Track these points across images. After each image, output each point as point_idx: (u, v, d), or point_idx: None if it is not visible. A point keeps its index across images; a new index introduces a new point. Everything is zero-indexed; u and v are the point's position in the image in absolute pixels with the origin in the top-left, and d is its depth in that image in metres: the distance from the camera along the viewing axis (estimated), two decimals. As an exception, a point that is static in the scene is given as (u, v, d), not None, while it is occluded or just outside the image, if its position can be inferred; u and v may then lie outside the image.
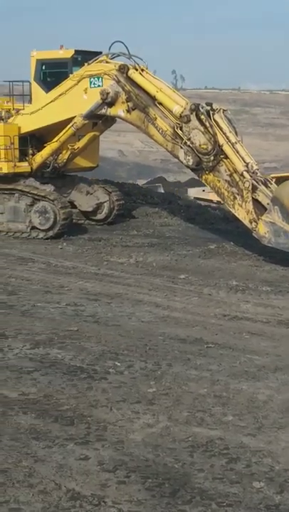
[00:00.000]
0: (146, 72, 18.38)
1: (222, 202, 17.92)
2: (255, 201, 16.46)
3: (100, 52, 19.28)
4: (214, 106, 17.37)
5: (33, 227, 19.25)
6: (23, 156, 20.02)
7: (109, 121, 20.04)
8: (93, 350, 10.26)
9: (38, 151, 20.10)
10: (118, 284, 14.34)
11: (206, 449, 7.28)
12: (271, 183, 16.56)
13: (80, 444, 7.35)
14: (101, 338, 10.80)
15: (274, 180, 16.51)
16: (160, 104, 17.77)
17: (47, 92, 19.73)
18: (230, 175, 16.87)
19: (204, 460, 7.06)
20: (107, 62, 18.85)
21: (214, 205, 24.60)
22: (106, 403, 8.38)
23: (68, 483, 6.56)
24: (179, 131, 17.21)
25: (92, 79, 18.72)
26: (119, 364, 9.68)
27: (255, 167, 16.90)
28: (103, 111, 18.82)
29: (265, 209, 16.17)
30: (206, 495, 6.42)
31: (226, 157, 16.87)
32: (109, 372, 9.39)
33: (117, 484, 6.56)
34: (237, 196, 16.74)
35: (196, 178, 19.22)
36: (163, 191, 29.03)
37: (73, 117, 19.12)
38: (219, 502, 6.31)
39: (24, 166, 19.91)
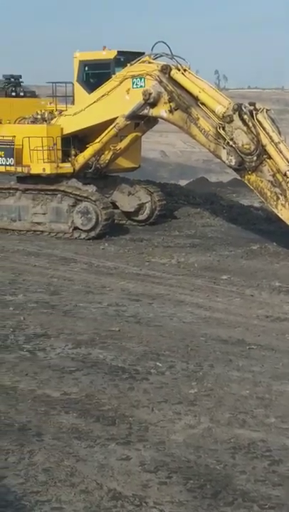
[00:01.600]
0: (189, 72, 18.33)
1: (265, 202, 17.79)
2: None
3: (143, 53, 19.28)
4: (257, 105, 17.26)
5: (75, 228, 19.34)
6: (66, 156, 20.12)
7: (152, 121, 20.02)
8: (135, 350, 10.26)
9: (81, 152, 20.18)
10: (160, 285, 14.33)
11: (248, 451, 7.23)
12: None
13: (122, 444, 7.35)
14: (142, 339, 10.80)
15: None
16: (203, 104, 17.70)
17: (89, 93, 19.79)
18: (274, 175, 16.74)
19: (246, 462, 7.01)
20: (149, 62, 18.84)
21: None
22: (147, 404, 8.37)
23: (110, 483, 6.57)
24: (222, 132, 17.12)
25: (134, 79, 18.74)
26: (160, 365, 9.66)
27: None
28: (145, 111, 18.82)
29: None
30: (248, 497, 6.37)
31: (269, 157, 16.74)
32: (151, 372, 9.38)
33: (158, 485, 6.55)
34: (280, 196, 16.60)
35: (239, 178, 19.11)
36: None
37: (115, 118, 19.16)
38: (261, 504, 6.25)
39: (67, 167, 20.01)
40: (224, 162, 17.59)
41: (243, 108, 16.89)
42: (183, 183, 33.33)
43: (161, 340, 10.77)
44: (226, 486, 6.54)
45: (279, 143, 16.80)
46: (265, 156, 16.78)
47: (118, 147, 20.21)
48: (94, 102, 19.39)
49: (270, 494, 6.41)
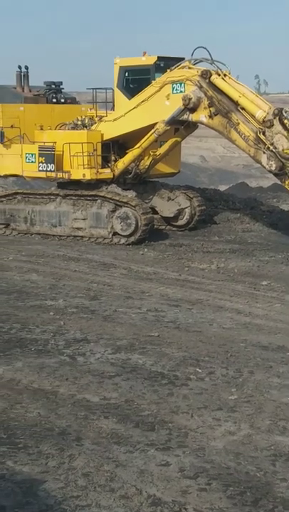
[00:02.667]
0: (229, 78, 18.28)
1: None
2: None
3: (183, 58, 19.31)
4: (298, 110, 17.14)
5: (115, 233, 19.41)
6: (106, 162, 20.22)
7: (191, 127, 20.02)
8: (174, 356, 10.25)
9: (120, 158, 20.27)
10: (199, 290, 14.30)
11: (288, 458, 7.17)
12: None
13: (161, 450, 7.34)
14: (182, 344, 10.78)
15: None
16: (243, 109, 17.65)
17: (130, 98, 19.88)
18: (315, 180, 16.60)
19: (287, 469, 6.95)
20: (189, 68, 18.85)
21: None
22: (187, 409, 8.35)
23: (149, 488, 6.57)
24: (262, 136, 17.05)
25: (174, 85, 18.77)
26: (200, 370, 9.64)
27: None
28: (185, 116, 18.83)
29: None
30: (289, 505, 6.31)
31: (310, 162, 16.61)
32: (190, 378, 9.36)
33: (198, 491, 6.52)
34: None
35: (279, 183, 19.00)
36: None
37: (155, 123, 19.20)
38: (302, 513, 6.19)
39: (107, 173, 20.10)
40: (264, 167, 17.50)
41: (284, 113, 16.79)
42: (222, 188, 33.27)
43: (201, 345, 10.75)
44: (266, 494, 6.49)
45: None
46: (306, 161, 16.66)
47: (158, 152, 20.26)
48: (134, 107, 19.47)
49: (311, 503, 6.35)
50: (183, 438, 7.61)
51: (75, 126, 20.67)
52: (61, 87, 22.81)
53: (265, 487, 6.62)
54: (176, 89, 18.74)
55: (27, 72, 22.37)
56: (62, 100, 22.44)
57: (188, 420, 8.07)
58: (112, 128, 19.98)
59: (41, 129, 20.84)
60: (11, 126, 20.85)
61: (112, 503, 6.32)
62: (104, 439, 7.58)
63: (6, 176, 22.44)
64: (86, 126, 20.47)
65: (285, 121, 16.69)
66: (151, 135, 19.37)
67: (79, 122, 20.76)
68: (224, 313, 12.66)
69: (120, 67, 20.28)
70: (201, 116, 18.47)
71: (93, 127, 20.36)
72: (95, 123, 20.52)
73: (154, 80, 19.39)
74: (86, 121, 20.69)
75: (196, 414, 8.23)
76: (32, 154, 20.33)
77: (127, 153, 20.15)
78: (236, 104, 17.78)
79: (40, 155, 20.14)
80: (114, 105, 20.81)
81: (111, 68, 20.44)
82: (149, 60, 19.97)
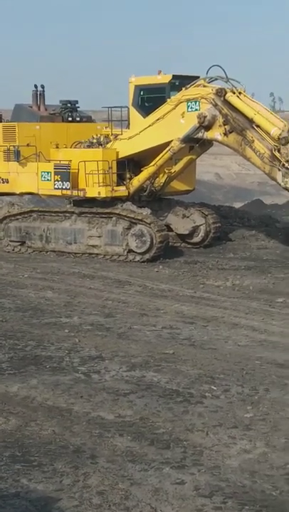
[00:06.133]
0: (244, 95, 18.35)
1: None
2: None
3: (198, 77, 19.39)
4: (313, 127, 17.15)
5: (130, 251, 19.43)
6: (121, 180, 20.29)
7: (206, 144, 20.07)
8: (189, 373, 10.21)
9: (135, 175, 20.33)
10: (214, 307, 14.27)
11: (304, 478, 7.11)
12: None
13: (176, 468, 7.30)
14: (197, 362, 10.75)
15: None
16: (258, 126, 17.69)
17: (145, 117, 19.97)
18: None
19: (303, 489, 6.89)
20: (204, 86, 18.93)
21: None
22: (202, 427, 8.31)
23: (164, 507, 6.53)
24: (277, 154, 17.06)
25: (189, 103, 18.84)
26: (215, 388, 9.60)
27: None
28: (200, 134, 18.89)
29: None
30: (305, 525, 6.25)
31: None
32: (206, 396, 9.32)
33: (213, 510, 6.48)
34: None
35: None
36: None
37: (170, 141, 19.26)
38: None
39: (122, 190, 20.17)
40: (279, 184, 17.51)
41: (299, 130, 16.80)
42: (238, 205, 33.23)
43: (216, 363, 10.71)
44: (282, 513, 6.43)
45: None
46: None
47: (173, 170, 20.32)
48: (149, 125, 19.56)
49: None
50: (198, 456, 7.57)
51: (91, 145, 20.78)
52: (77, 105, 22.97)
53: (281, 506, 6.56)
54: (191, 108, 18.81)
55: (43, 91, 22.56)
56: (78, 119, 22.60)
57: (203, 438, 8.02)
58: (127, 146, 20.07)
59: (57, 147, 20.97)
60: (27, 145, 21.00)
61: (127, 521, 6.29)
62: (118, 457, 7.55)
63: (21, 194, 22.57)
64: (101, 145, 20.56)
65: (300, 138, 16.69)
66: (166, 153, 19.44)
67: (94, 140, 20.85)
68: (239, 330, 12.61)
69: (135, 85, 20.40)
70: (216, 134, 18.52)
71: (108, 145, 20.45)
72: (110, 141, 20.61)
73: (169, 98, 19.48)
74: (101, 139, 20.79)
75: (211, 432, 8.18)
76: (48, 172, 20.44)
77: (142, 170, 20.21)
78: (251, 121, 17.83)
79: (55, 173, 20.26)
80: (129, 123, 20.91)
81: (127, 87, 20.56)
82: (164, 78, 20.07)
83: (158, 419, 8.54)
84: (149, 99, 20.36)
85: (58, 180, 20.18)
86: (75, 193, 20.12)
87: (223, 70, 18.67)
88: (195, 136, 19.07)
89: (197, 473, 7.19)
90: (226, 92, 18.28)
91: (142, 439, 7.97)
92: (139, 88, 20.41)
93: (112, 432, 8.17)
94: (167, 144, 19.33)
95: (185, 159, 20.18)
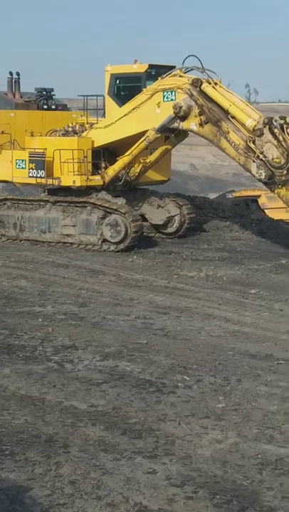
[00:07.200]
0: (220, 86, 18.36)
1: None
2: None
3: (174, 67, 19.38)
4: (288, 119, 17.19)
5: (104, 240, 19.41)
6: (96, 169, 20.24)
7: (182, 134, 20.07)
8: (162, 363, 10.24)
9: (111, 165, 20.28)
10: (188, 298, 14.30)
11: (275, 467, 7.17)
12: None
13: (148, 457, 7.33)
14: (170, 352, 10.78)
15: None
16: (233, 117, 17.71)
17: (120, 106, 19.91)
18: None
19: (273, 478, 6.95)
20: (180, 76, 18.91)
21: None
22: (174, 417, 8.34)
23: (136, 496, 6.55)
24: (252, 145, 17.10)
25: (165, 93, 18.81)
26: (188, 378, 9.63)
27: None
28: (176, 124, 18.87)
29: None
30: (275, 514, 6.31)
31: (300, 171, 16.66)
32: (178, 386, 9.36)
33: (184, 499, 6.51)
34: (310, 211, 16.52)
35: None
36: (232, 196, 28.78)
37: (146, 131, 19.23)
38: (288, 522, 6.19)
39: (97, 180, 20.11)
40: (254, 176, 17.55)
41: (274, 122, 16.84)
42: (212, 196, 33.29)
43: (189, 353, 10.74)
44: (253, 502, 6.48)
45: (310, 157, 16.72)
46: (295, 170, 16.71)
47: (148, 160, 20.30)
48: (124, 115, 19.51)
49: (297, 511, 6.35)
50: (170, 446, 7.60)
51: (66, 133, 20.69)
52: (52, 93, 22.84)
53: (252, 496, 6.61)
54: (167, 97, 18.78)
55: (18, 78, 22.39)
56: (53, 107, 22.47)
57: (175, 428, 8.06)
58: (102, 135, 20.00)
59: (32, 135, 20.85)
60: (2, 132, 20.85)
61: (99, 510, 6.30)
62: (91, 446, 7.56)
63: (-5, 182, 22.43)
64: (77, 133, 20.48)
65: (275, 130, 16.73)
66: (141, 142, 19.41)
67: (70, 129, 20.78)
68: (213, 321, 12.66)
69: (111, 74, 20.32)
70: (192, 124, 18.51)
71: (84, 134, 20.37)
72: (86, 130, 20.54)
73: (145, 87, 19.44)
74: (77, 128, 20.71)
75: (184, 422, 8.22)
76: (22, 160, 20.32)
77: (117, 160, 20.17)
78: (226, 112, 17.84)
79: (30, 161, 20.14)
80: (105, 112, 20.83)
81: (102, 76, 20.49)
82: (140, 67, 20.02)
83: (130, 409, 8.55)
84: (125, 88, 20.30)
85: (33, 169, 20.06)
86: (49, 181, 20.02)
87: (199, 60, 18.71)
88: (170, 126, 19.05)
89: (169, 462, 7.22)
90: (201, 83, 18.27)
91: (115, 429, 7.98)
92: (115, 77, 20.32)
93: (84, 421, 8.18)
94: (143, 133, 19.30)
95: (160, 149, 20.17)
